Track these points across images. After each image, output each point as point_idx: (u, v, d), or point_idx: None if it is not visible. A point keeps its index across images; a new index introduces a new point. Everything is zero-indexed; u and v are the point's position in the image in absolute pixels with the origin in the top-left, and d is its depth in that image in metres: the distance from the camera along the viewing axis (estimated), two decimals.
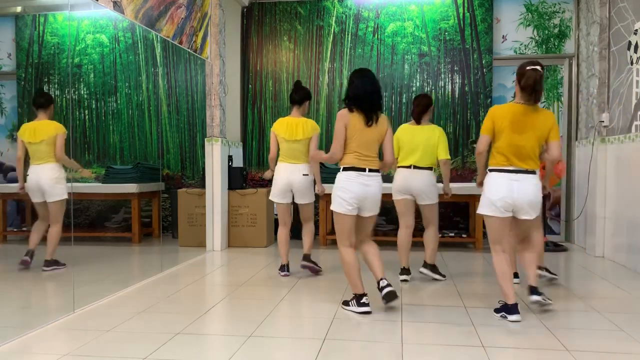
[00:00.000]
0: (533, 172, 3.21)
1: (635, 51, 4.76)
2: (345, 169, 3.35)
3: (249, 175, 6.60)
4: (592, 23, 5.60)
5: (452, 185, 4.93)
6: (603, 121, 5.36)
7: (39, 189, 4.22)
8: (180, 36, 5.04)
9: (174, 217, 6.06)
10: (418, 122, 4.24)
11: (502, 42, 6.35)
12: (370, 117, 3.33)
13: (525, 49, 6.31)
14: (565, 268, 4.98)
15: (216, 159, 5.64)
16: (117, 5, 3.92)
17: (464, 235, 5.94)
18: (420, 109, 4.21)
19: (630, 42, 4.87)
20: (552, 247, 5.68)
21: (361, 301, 3.32)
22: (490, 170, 3.27)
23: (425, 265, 4.30)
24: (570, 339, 2.84)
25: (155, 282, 4.25)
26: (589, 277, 4.49)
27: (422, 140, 4.15)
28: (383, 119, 3.41)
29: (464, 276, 4.41)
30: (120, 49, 5.83)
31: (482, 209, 3.26)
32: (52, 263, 4.25)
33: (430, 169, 4.18)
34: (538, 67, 3.13)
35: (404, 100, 6.41)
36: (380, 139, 3.40)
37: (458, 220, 6.31)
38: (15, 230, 5.08)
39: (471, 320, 3.17)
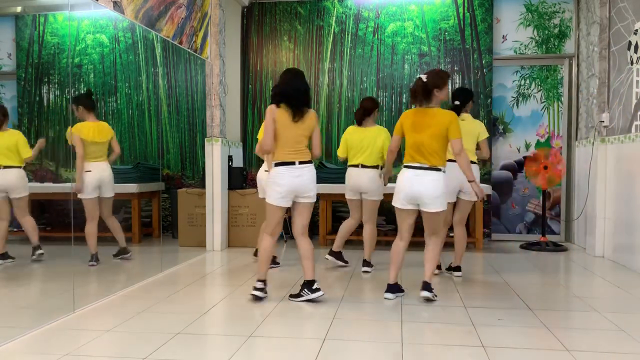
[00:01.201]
0: (435, 169, 3.52)
1: (635, 51, 4.76)
2: (276, 164, 3.58)
3: (249, 175, 6.60)
4: (592, 23, 5.60)
5: None
6: (603, 121, 5.37)
7: (98, 186, 4.57)
8: (180, 36, 5.04)
9: (174, 217, 6.06)
10: (360, 124, 4.59)
11: (502, 42, 6.35)
12: (296, 113, 3.54)
13: (525, 49, 6.31)
14: (565, 268, 4.98)
15: (216, 159, 5.65)
16: (117, 5, 3.92)
17: None
18: (362, 112, 4.56)
19: (630, 42, 4.87)
20: (552, 247, 5.69)
21: (257, 287, 3.64)
22: (403, 167, 3.64)
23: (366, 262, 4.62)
24: (570, 339, 2.84)
25: (155, 282, 4.25)
26: (589, 277, 4.50)
27: (370, 141, 4.49)
28: (311, 115, 3.64)
29: (464, 276, 4.41)
30: (120, 49, 5.83)
31: (393, 201, 3.66)
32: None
33: (375, 167, 4.50)
34: (423, 77, 3.57)
35: (404, 100, 6.41)
36: (308, 134, 3.63)
37: None
38: (15, 230, 5.07)
39: (471, 320, 3.17)
